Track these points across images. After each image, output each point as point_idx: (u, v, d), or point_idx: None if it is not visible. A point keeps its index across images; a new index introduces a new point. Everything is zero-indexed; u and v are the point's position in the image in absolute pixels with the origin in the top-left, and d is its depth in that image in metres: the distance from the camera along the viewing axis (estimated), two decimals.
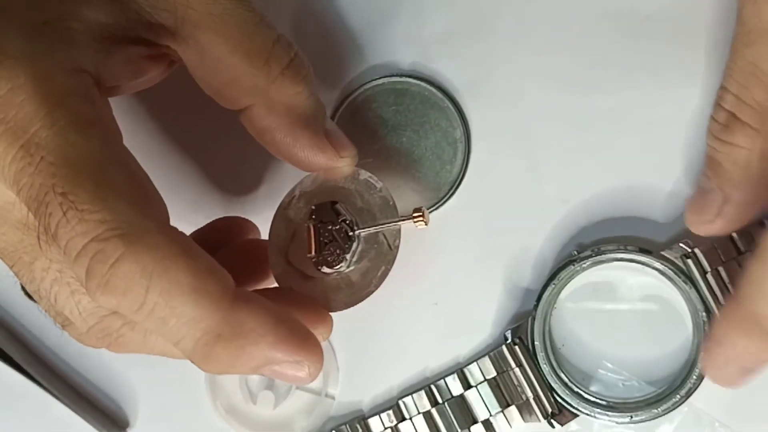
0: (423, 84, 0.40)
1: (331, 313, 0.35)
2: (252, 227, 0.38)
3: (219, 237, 0.36)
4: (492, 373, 0.38)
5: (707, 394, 0.37)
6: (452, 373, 0.39)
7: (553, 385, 0.38)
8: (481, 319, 0.39)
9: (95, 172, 0.25)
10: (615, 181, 0.39)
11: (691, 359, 0.37)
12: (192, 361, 0.28)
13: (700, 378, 0.36)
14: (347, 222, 0.35)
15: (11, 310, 0.41)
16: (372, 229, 0.35)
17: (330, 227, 0.35)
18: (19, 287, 0.39)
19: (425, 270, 0.39)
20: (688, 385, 0.36)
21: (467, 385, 0.38)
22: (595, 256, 0.37)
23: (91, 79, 0.28)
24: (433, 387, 0.39)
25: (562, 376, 0.38)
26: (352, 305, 0.35)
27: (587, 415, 0.37)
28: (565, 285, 0.38)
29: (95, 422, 0.40)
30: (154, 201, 0.28)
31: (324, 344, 0.39)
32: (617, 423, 0.37)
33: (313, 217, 0.35)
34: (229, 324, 0.27)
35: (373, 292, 0.35)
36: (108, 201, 0.25)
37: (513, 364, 0.38)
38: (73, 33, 0.28)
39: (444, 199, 0.39)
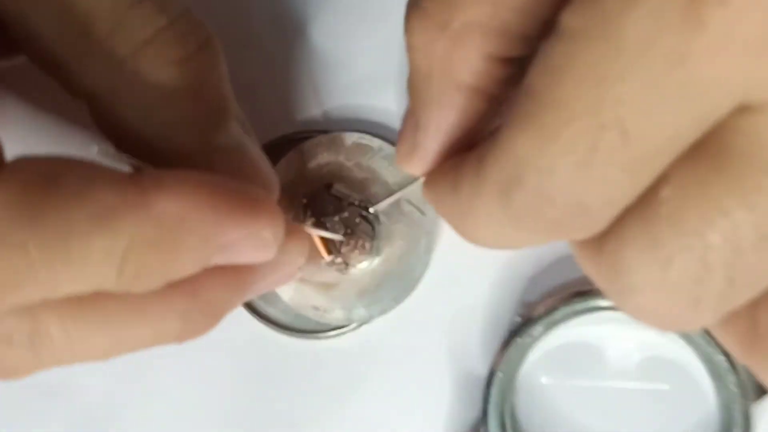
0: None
1: None
2: None
3: None
4: None
5: None
6: None
7: None
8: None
9: None
10: None
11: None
12: None
13: None
14: (355, 203, 0.27)
15: None
16: (390, 200, 0.27)
17: (336, 218, 0.27)
18: None
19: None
20: None
21: None
22: (547, 315, 0.26)
23: None
24: None
25: None
26: (403, 299, 0.27)
27: None
28: (518, 367, 0.27)
29: None
30: None
31: None
32: None
33: (310, 213, 0.27)
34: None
35: (423, 273, 0.27)
36: None
37: None
38: None
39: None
